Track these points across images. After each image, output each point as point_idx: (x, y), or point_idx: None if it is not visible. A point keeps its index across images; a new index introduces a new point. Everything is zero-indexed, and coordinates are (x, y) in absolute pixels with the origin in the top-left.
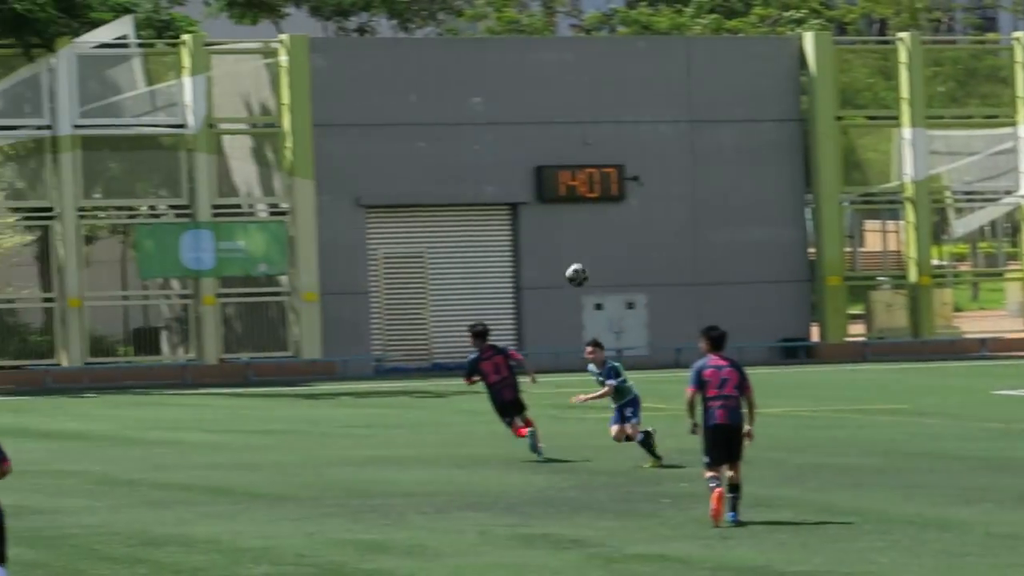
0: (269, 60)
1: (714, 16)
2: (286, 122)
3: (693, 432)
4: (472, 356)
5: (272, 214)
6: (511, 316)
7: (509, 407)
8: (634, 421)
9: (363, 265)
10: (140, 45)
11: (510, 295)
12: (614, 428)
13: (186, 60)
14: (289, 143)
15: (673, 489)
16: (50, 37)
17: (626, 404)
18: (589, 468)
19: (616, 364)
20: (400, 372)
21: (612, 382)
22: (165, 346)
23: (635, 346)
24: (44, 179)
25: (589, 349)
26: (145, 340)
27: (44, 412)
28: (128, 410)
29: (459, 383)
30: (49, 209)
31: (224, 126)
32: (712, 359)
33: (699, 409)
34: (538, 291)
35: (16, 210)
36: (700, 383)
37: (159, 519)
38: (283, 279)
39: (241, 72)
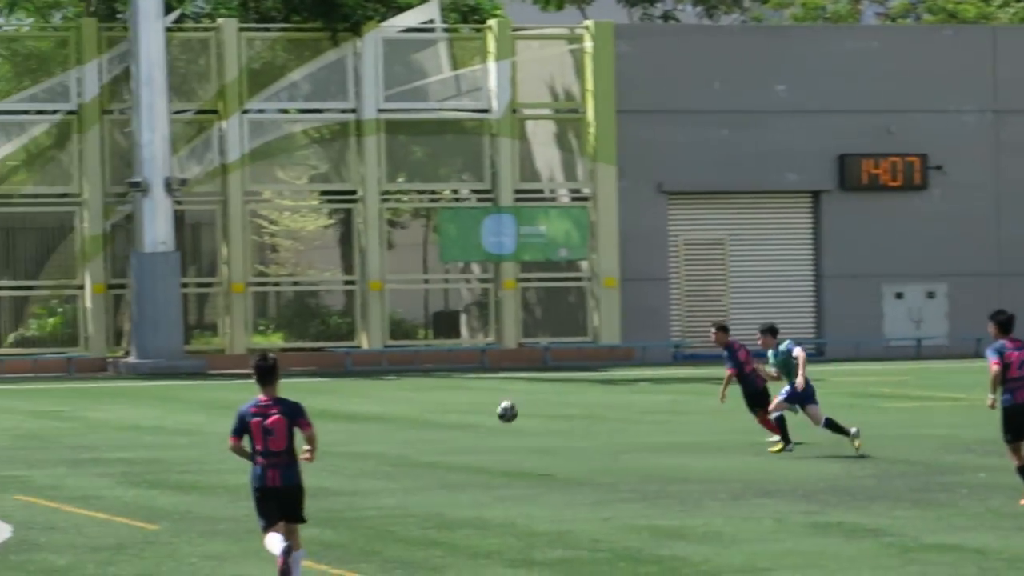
0: (574, 46)
1: (1022, 4)
2: (589, 108)
3: (992, 406)
4: (728, 352)
5: (573, 199)
6: (810, 305)
7: (759, 397)
8: (779, 399)
9: (663, 251)
10: (446, 30)
11: (810, 284)
12: (812, 409)
13: (491, 45)
14: (592, 129)
15: (971, 479)
16: (357, 21)
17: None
18: (886, 457)
19: (785, 349)
20: (698, 359)
21: (796, 351)
22: (464, 330)
23: (934, 336)
24: (348, 162)
25: (760, 339)
26: (445, 323)
27: (344, 394)
28: (426, 393)
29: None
30: (353, 192)
31: (527, 111)
32: (1008, 343)
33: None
34: (838, 280)
35: (322, 193)
36: (1004, 363)
37: (454, 502)
38: (583, 264)
39: (546, 58)
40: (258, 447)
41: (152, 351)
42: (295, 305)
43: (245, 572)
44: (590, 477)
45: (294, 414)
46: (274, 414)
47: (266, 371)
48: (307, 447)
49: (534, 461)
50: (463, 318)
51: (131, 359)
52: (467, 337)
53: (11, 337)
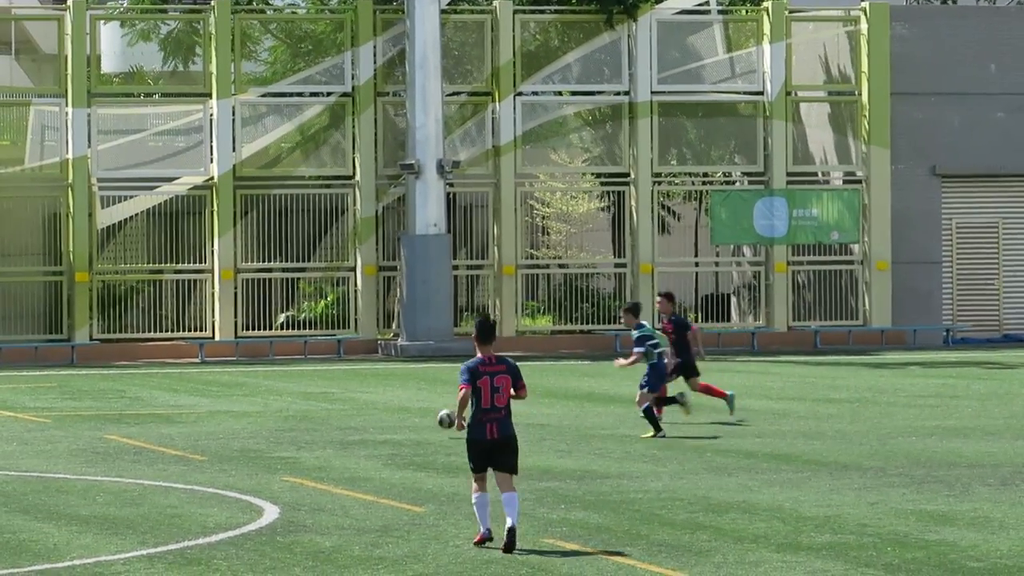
0: (849, 28)
1: None
2: (864, 90)
3: None
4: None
5: (846, 182)
6: None
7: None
8: (643, 390)
9: (936, 235)
10: (720, 12)
11: None
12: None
13: (766, 27)
14: (866, 111)
15: None
16: (632, 4)
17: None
18: None
19: (639, 333)
20: (970, 343)
21: (638, 350)
22: (734, 313)
23: None
24: (620, 145)
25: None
26: (714, 306)
27: (612, 377)
28: None
29: None
30: (625, 175)
31: (801, 93)
32: None
33: None
34: None
35: (595, 175)
36: None
37: (721, 485)
38: (855, 247)
39: (820, 39)
40: (484, 404)
41: (422, 333)
42: (565, 288)
43: (510, 556)
44: (858, 461)
45: (516, 375)
46: (501, 373)
47: (489, 330)
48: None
49: (802, 445)
50: (733, 301)
51: (401, 341)
52: (737, 320)
53: (282, 319)
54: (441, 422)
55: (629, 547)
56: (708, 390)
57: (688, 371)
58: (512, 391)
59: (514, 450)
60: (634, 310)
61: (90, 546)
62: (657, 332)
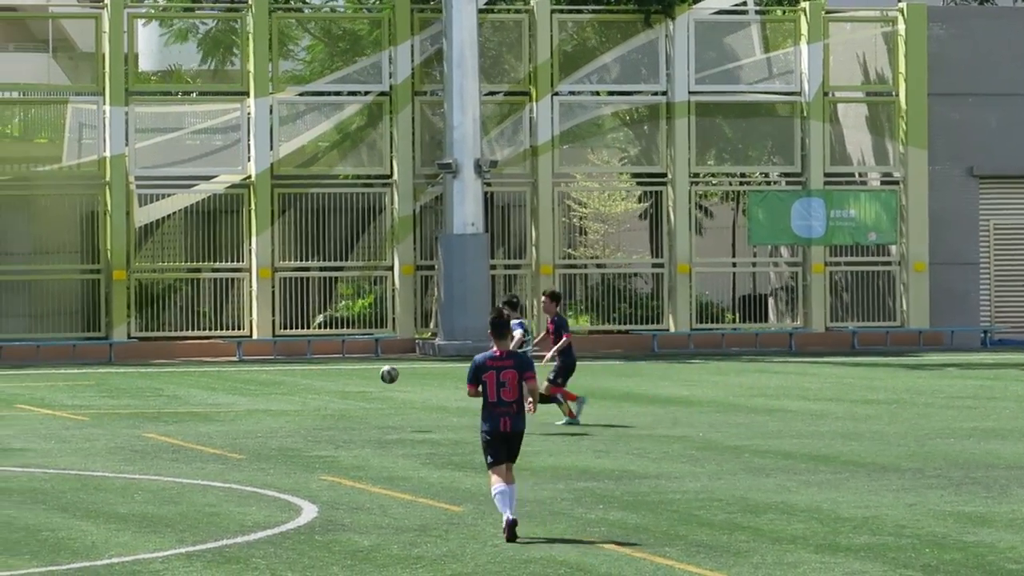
0: (886, 29)
1: None
2: (901, 91)
3: None
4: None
5: (883, 183)
6: None
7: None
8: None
9: (974, 236)
10: (758, 12)
11: None
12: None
13: (804, 27)
14: (904, 112)
15: None
16: (670, 3)
17: None
18: None
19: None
20: (1008, 344)
21: (518, 332)
22: (772, 313)
23: None
24: (658, 145)
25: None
26: (752, 307)
27: (650, 377)
28: (733, 376)
29: None
30: (662, 175)
31: (839, 94)
32: None
33: None
34: None
35: (632, 175)
36: None
37: (759, 486)
38: (892, 248)
39: (858, 40)
40: (491, 398)
41: (459, 332)
42: (602, 288)
43: (548, 555)
44: (896, 462)
45: (523, 367)
46: (508, 367)
47: (502, 325)
48: (530, 399)
49: (840, 446)
50: (770, 301)
51: (438, 340)
52: (774, 321)
53: (320, 318)
54: (383, 377)
55: (667, 547)
56: (563, 394)
57: (567, 374)
58: (523, 383)
59: (520, 442)
60: (512, 305)
61: (128, 544)
62: (530, 336)
